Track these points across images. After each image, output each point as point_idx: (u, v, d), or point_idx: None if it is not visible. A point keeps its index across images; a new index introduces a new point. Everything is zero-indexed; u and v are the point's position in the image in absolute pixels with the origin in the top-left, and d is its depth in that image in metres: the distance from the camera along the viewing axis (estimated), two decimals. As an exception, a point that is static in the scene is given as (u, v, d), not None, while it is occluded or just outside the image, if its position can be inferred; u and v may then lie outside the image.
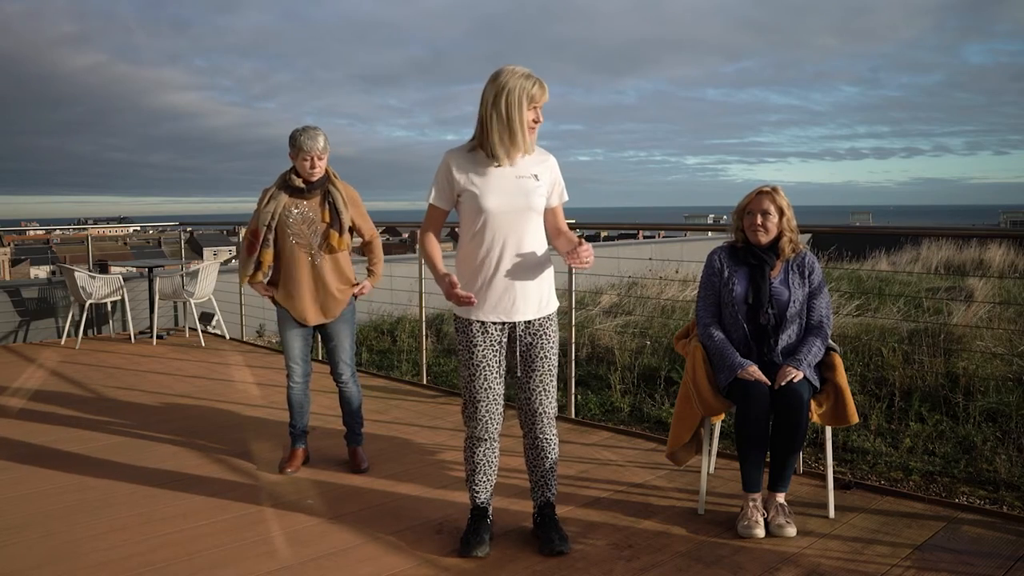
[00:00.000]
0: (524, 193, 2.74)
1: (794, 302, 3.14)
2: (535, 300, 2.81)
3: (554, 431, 2.95)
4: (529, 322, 2.82)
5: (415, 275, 5.90)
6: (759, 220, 3.16)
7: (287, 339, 3.75)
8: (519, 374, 2.87)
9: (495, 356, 2.83)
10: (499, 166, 2.74)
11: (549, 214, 2.89)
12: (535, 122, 2.75)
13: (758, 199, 3.18)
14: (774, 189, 3.19)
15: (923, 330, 6.45)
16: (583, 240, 2.75)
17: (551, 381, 2.88)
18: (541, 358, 2.84)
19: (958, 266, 12.58)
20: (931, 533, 3.03)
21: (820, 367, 3.16)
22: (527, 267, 2.77)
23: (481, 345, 2.81)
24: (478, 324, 2.80)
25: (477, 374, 2.82)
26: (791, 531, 2.99)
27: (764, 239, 3.17)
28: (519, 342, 2.84)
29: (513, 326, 2.82)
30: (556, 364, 2.89)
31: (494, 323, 2.81)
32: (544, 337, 2.84)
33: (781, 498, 3.10)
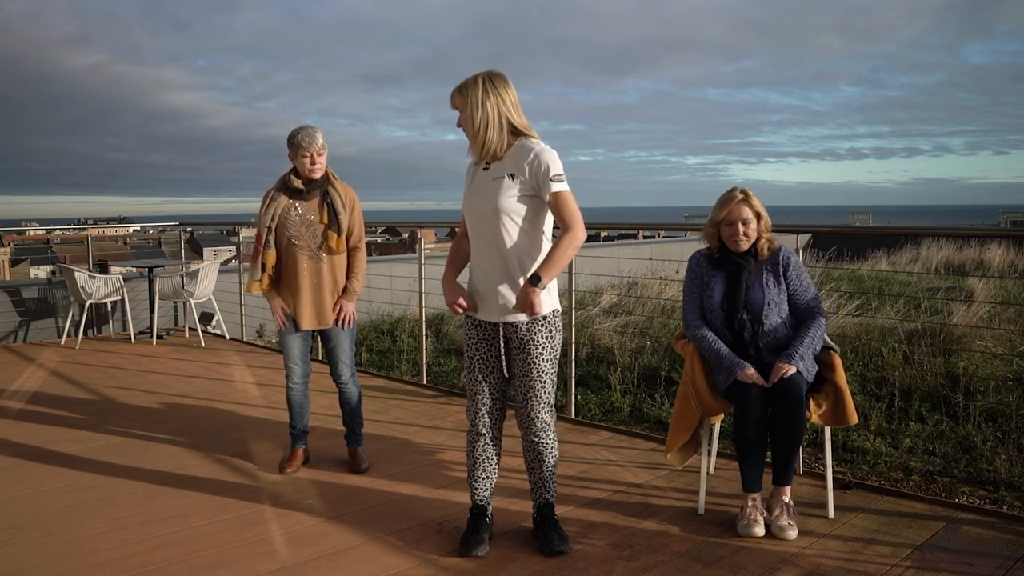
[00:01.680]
0: (492, 195, 2.72)
1: (768, 303, 3.13)
2: (509, 303, 2.76)
3: (551, 436, 2.92)
4: (516, 325, 2.79)
5: (415, 275, 5.89)
6: (741, 230, 3.12)
7: (286, 340, 3.75)
8: (509, 376, 2.88)
9: (488, 351, 2.86)
10: (485, 169, 2.78)
11: (550, 208, 2.74)
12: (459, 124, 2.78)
13: (736, 208, 3.12)
14: (745, 193, 3.14)
15: (923, 330, 6.45)
16: (532, 290, 2.67)
17: (542, 387, 2.83)
18: (530, 363, 2.80)
19: (958, 266, 12.57)
20: (931, 533, 3.03)
21: (820, 367, 3.16)
22: (500, 270, 2.76)
23: (475, 339, 2.87)
24: (473, 319, 2.87)
25: (471, 367, 2.89)
26: (792, 534, 2.99)
27: (745, 246, 3.15)
28: (506, 343, 2.84)
29: (502, 326, 2.82)
30: (551, 370, 2.83)
31: (484, 321, 2.86)
32: (532, 343, 2.78)
33: (787, 495, 3.07)
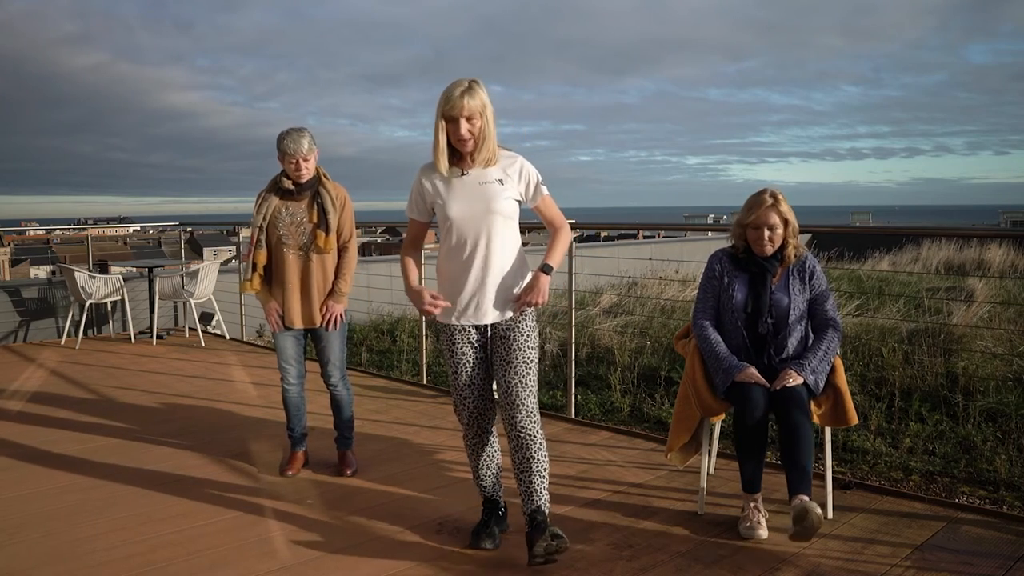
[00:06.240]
0: (485, 199, 2.75)
1: (794, 309, 3.12)
2: (503, 302, 2.82)
3: (538, 429, 2.82)
4: (503, 320, 2.84)
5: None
6: (766, 235, 3.09)
7: (279, 341, 3.75)
8: (496, 370, 2.87)
9: (475, 353, 2.87)
10: (464, 175, 2.77)
11: (537, 212, 2.94)
12: (460, 139, 2.68)
13: (764, 214, 3.07)
14: (775, 198, 3.09)
15: (923, 330, 6.45)
16: (545, 278, 2.76)
17: (527, 374, 2.82)
18: (515, 350, 2.81)
19: (958, 266, 12.58)
20: (931, 533, 3.03)
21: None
22: (495, 271, 2.79)
23: (460, 343, 2.86)
24: (456, 325, 2.86)
25: (459, 371, 2.87)
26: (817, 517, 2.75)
27: (771, 251, 3.12)
28: (492, 340, 2.87)
29: (487, 327, 2.87)
30: (534, 359, 2.84)
31: (467, 325, 2.85)
32: (518, 330, 2.82)
33: (806, 500, 2.88)
